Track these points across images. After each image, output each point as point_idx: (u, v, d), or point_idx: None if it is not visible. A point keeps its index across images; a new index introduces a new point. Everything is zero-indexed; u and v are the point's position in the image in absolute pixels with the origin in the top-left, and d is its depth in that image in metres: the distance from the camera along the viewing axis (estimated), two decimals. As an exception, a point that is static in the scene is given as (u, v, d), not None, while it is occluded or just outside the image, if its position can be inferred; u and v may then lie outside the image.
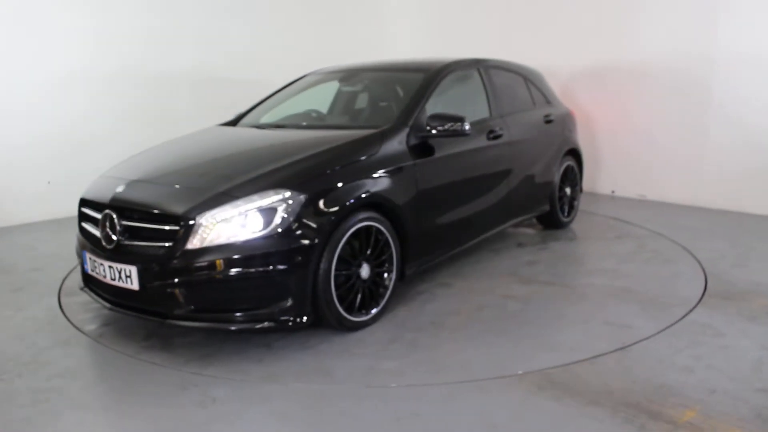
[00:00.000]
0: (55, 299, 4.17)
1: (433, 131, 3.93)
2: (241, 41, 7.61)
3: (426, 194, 3.92)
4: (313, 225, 3.19)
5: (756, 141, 6.01)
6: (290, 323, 3.19)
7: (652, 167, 6.85)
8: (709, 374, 2.98)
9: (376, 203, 3.56)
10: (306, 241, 3.15)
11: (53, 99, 6.39)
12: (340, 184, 3.39)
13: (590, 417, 2.62)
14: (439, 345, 3.37)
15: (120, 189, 3.47)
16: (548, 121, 5.40)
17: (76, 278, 4.52)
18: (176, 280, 3.08)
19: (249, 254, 3.06)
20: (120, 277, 3.23)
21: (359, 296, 3.49)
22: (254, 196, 3.15)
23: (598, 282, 4.29)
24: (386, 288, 3.66)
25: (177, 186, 3.40)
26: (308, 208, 3.20)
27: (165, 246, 3.12)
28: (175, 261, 3.07)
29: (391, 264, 3.65)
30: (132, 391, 2.94)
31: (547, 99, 5.64)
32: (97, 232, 3.43)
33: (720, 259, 4.73)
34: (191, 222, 3.08)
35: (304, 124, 4.62)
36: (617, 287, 4.18)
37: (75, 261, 4.92)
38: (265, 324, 3.14)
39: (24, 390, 2.96)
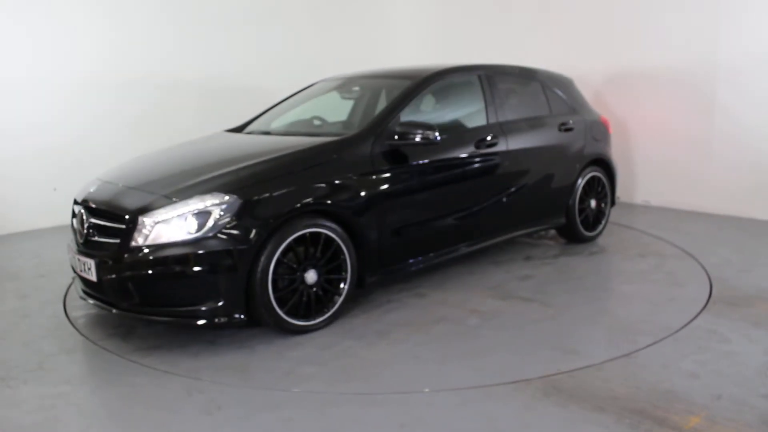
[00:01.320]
0: (61, 306, 4.19)
1: (401, 139, 3.92)
2: (250, 50, 7.64)
3: (392, 203, 3.91)
4: (247, 229, 3.29)
5: (761, 144, 6.01)
6: (222, 322, 3.32)
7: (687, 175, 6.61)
8: (714, 380, 2.97)
9: (325, 210, 3.59)
10: (238, 245, 3.26)
11: (60, 107, 6.43)
12: (282, 191, 3.46)
13: (595, 423, 2.62)
14: (368, 356, 3.33)
15: (92, 189, 3.84)
16: (566, 129, 5.16)
17: (82, 285, 4.60)
18: (123, 274, 3.31)
19: (183, 254, 3.23)
20: (84, 269, 3.53)
21: (305, 301, 3.54)
22: (191, 200, 3.32)
23: (581, 302, 4.04)
24: (339, 295, 3.68)
25: (135, 188, 3.63)
26: (243, 213, 3.31)
27: (115, 243, 3.39)
28: (121, 257, 3.32)
29: (345, 271, 3.67)
30: (137, 398, 2.95)
31: (572, 106, 5.38)
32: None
33: (725, 265, 4.72)
34: (135, 222, 3.33)
35: (296, 131, 4.63)
36: (597, 309, 3.97)
37: (81, 268, 4.98)
38: (200, 321, 3.30)
39: (30, 396, 2.97)
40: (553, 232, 5.55)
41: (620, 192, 7.00)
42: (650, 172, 6.88)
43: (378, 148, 3.90)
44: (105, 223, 3.51)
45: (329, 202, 3.61)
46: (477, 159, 4.48)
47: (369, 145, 3.88)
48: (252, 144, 4.26)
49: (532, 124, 4.97)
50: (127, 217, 3.38)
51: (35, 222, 6.41)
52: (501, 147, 4.61)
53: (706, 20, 6.20)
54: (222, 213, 3.27)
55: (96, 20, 6.57)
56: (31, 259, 5.36)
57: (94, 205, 3.65)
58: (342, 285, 3.69)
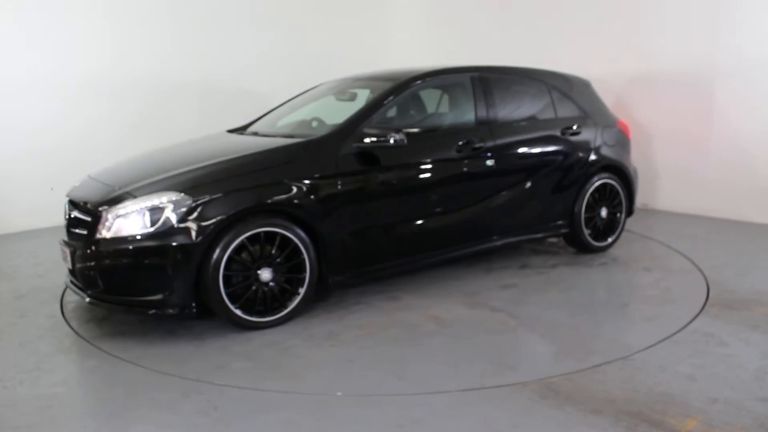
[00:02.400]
0: (58, 306, 4.18)
1: (367, 142, 3.92)
2: (249, 52, 7.62)
3: (356, 206, 3.93)
4: (198, 226, 3.43)
5: (759, 148, 6.02)
6: (173, 313, 3.50)
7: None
8: (711, 383, 2.97)
9: (282, 210, 3.66)
10: (188, 241, 3.41)
11: (58, 107, 6.42)
12: (235, 191, 3.56)
13: (592, 426, 2.62)
14: (306, 356, 3.37)
15: (77, 184, 4.13)
16: (572, 134, 4.96)
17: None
18: (89, 263, 3.55)
19: (138, 247, 3.43)
20: (65, 258, 3.79)
21: (261, 298, 3.63)
22: (148, 197, 3.52)
23: (551, 316, 3.86)
24: (298, 294, 3.74)
25: (108, 185, 3.83)
26: (195, 211, 3.45)
27: (85, 234, 3.62)
28: (89, 248, 3.56)
29: (304, 271, 3.73)
30: (135, 399, 2.95)
31: (583, 109, 5.15)
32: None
33: (722, 268, 4.73)
34: (99, 215, 3.56)
35: (288, 132, 4.56)
36: (563, 323, 3.76)
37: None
38: (150, 311, 3.50)
39: (27, 397, 2.96)
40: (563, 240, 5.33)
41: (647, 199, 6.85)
42: (650, 175, 6.89)
43: (346, 150, 3.92)
44: (80, 216, 3.74)
45: (285, 202, 3.66)
46: (457, 163, 4.38)
47: (335, 147, 3.91)
48: (231, 145, 4.28)
49: (529, 127, 4.82)
50: (93, 210, 3.62)
51: (32, 222, 6.40)
52: (486, 151, 4.48)
53: (705, 20, 6.21)
54: (174, 210, 3.43)
55: (95, 21, 6.55)
56: (28, 259, 5.35)
57: (74, 199, 3.92)
58: (302, 285, 3.75)
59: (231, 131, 4.90)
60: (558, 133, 4.94)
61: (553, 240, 5.38)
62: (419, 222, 4.26)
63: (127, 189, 3.65)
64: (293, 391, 2.99)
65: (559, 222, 5.00)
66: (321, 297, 4.14)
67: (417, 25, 8.98)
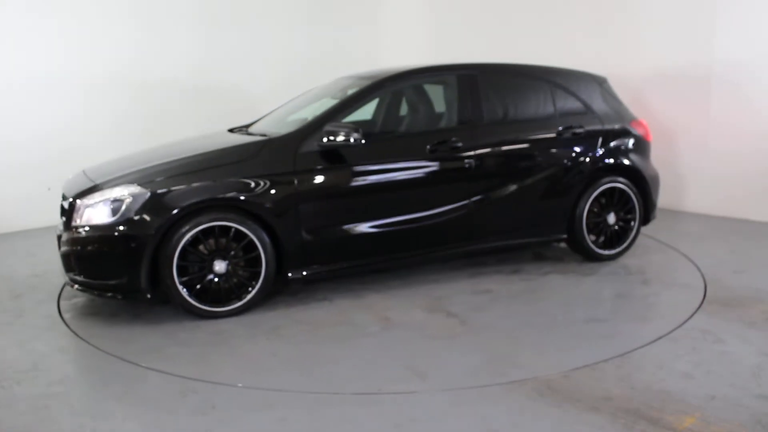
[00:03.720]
0: (55, 306, 4.17)
1: (327, 141, 3.97)
2: (239, 50, 7.60)
3: (315, 203, 4.00)
4: (153, 218, 3.67)
5: (756, 146, 6.03)
6: (128, 297, 3.82)
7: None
8: (708, 380, 2.98)
9: (235, 205, 3.81)
10: (143, 231, 3.65)
11: (55, 107, 6.39)
12: (189, 186, 3.76)
13: (590, 423, 2.63)
14: (238, 346, 3.50)
15: (70, 177, 4.42)
16: (574, 134, 4.69)
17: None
18: (66, 249, 3.87)
19: (102, 235, 3.71)
20: (59, 245, 4.01)
21: (216, 289, 3.82)
22: (111, 189, 3.80)
23: (503, 326, 3.71)
24: (253, 287, 3.89)
25: (89, 178, 4.08)
26: (149, 204, 3.69)
27: (66, 222, 3.92)
28: (67, 234, 3.87)
29: (260, 265, 3.86)
30: (132, 398, 2.95)
31: (591, 108, 4.85)
32: None
33: (719, 266, 4.74)
34: (74, 205, 3.84)
35: (278, 131, 4.54)
36: (507, 336, 3.56)
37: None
38: (108, 294, 3.81)
39: (24, 397, 2.96)
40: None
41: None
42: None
43: (308, 149, 3.99)
44: (64, 206, 4.03)
45: (237, 198, 3.80)
46: (429, 164, 4.29)
47: (294, 146, 3.99)
48: (210, 142, 4.35)
49: (519, 127, 4.63)
50: (70, 200, 3.91)
51: (29, 221, 6.38)
52: (465, 152, 4.35)
53: (703, 20, 6.22)
54: (132, 202, 3.68)
55: (93, 21, 6.53)
56: (25, 258, 5.34)
57: (63, 191, 4.20)
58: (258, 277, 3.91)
59: (231, 130, 4.88)
60: (554, 133, 4.69)
61: (564, 245, 5.08)
62: (384, 222, 4.21)
63: (98, 182, 3.92)
64: (201, 379, 3.10)
65: (556, 227, 4.75)
66: (296, 291, 4.28)
67: (425, 23, 8.96)
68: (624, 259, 4.93)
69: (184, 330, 3.70)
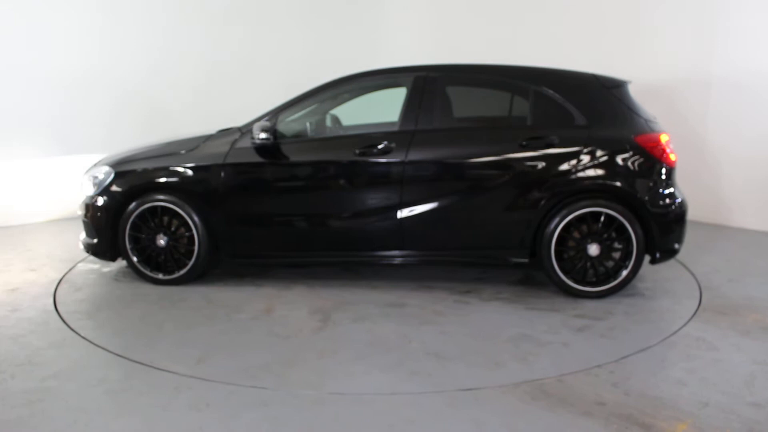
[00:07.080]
0: (51, 300, 4.17)
1: (251, 139, 4.30)
2: (239, 49, 7.62)
3: (240, 195, 4.37)
4: (114, 194, 4.44)
5: (753, 155, 6.05)
6: (99, 256, 4.61)
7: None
8: (701, 388, 2.99)
9: (173, 188, 4.38)
10: (107, 204, 4.44)
11: (52, 102, 6.40)
12: (142, 169, 4.44)
13: (583, 428, 2.63)
14: (144, 316, 3.90)
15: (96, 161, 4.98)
16: (544, 145, 4.10)
17: (72, 279, 4.62)
18: (81, 213, 4.65)
19: (87, 204, 4.54)
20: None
21: (163, 259, 4.46)
22: (95, 168, 4.61)
23: (357, 337, 3.59)
24: (186, 264, 4.44)
25: (100, 161, 4.76)
26: (113, 183, 4.46)
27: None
28: (82, 202, 4.64)
29: (193, 244, 4.40)
30: (126, 393, 2.94)
31: (577, 117, 4.17)
32: None
33: (714, 274, 4.75)
34: (83, 180, 4.65)
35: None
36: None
37: (71, 262, 4.99)
38: (86, 252, 4.66)
39: (18, 391, 2.95)
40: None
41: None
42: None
43: (242, 145, 4.36)
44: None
45: (169, 184, 4.38)
46: (356, 166, 4.23)
47: (229, 140, 4.41)
48: (181, 138, 4.72)
49: (468, 134, 4.35)
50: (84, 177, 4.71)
51: (26, 216, 6.38)
52: (397, 157, 4.14)
53: (703, 29, 6.25)
54: (104, 180, 4.48)
55: (93, 22, 6.55)
56: (21, 252, 5.33)
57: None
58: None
59: (224, 131, 4.88)
60: (515, 142, 4.14)
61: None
62: (307, 219, 4.38)
63: (97, 162, 4.71)
64: (101, 346, 3.45)
65: (511, 249, 4.21)
66: (252, 269, 4.76)
67: (427, 22, 8.97)
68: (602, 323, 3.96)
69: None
